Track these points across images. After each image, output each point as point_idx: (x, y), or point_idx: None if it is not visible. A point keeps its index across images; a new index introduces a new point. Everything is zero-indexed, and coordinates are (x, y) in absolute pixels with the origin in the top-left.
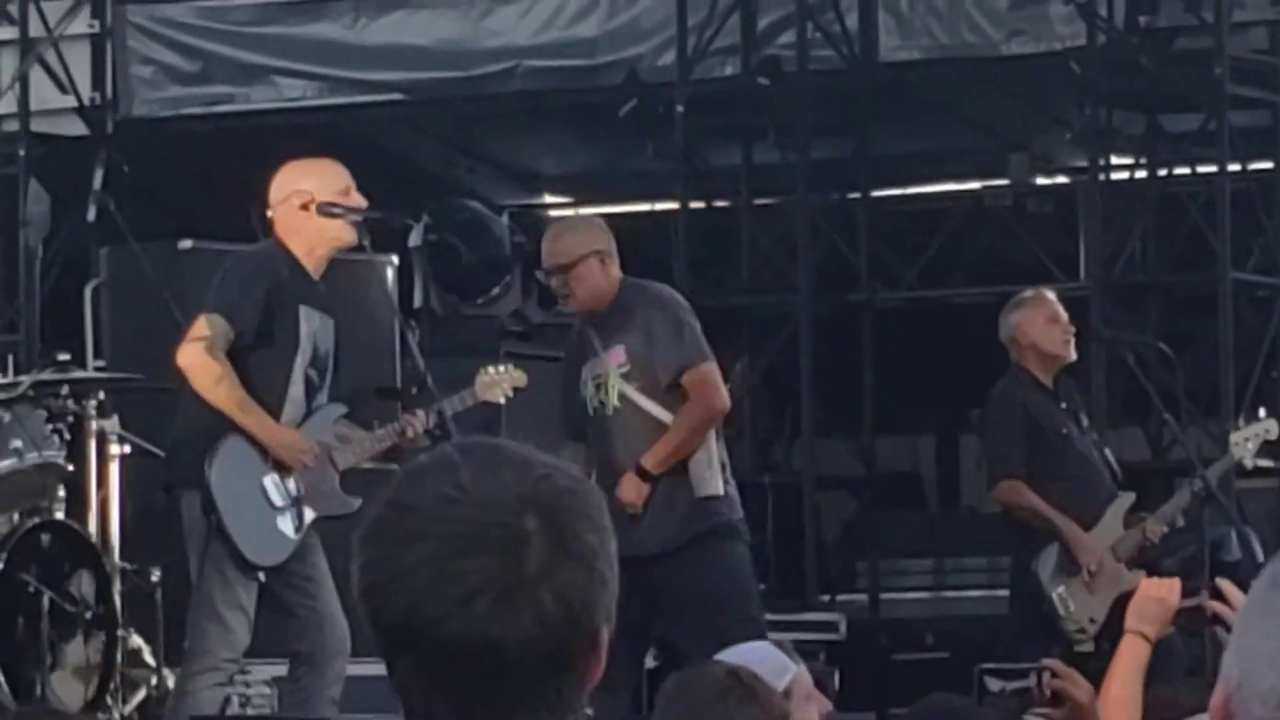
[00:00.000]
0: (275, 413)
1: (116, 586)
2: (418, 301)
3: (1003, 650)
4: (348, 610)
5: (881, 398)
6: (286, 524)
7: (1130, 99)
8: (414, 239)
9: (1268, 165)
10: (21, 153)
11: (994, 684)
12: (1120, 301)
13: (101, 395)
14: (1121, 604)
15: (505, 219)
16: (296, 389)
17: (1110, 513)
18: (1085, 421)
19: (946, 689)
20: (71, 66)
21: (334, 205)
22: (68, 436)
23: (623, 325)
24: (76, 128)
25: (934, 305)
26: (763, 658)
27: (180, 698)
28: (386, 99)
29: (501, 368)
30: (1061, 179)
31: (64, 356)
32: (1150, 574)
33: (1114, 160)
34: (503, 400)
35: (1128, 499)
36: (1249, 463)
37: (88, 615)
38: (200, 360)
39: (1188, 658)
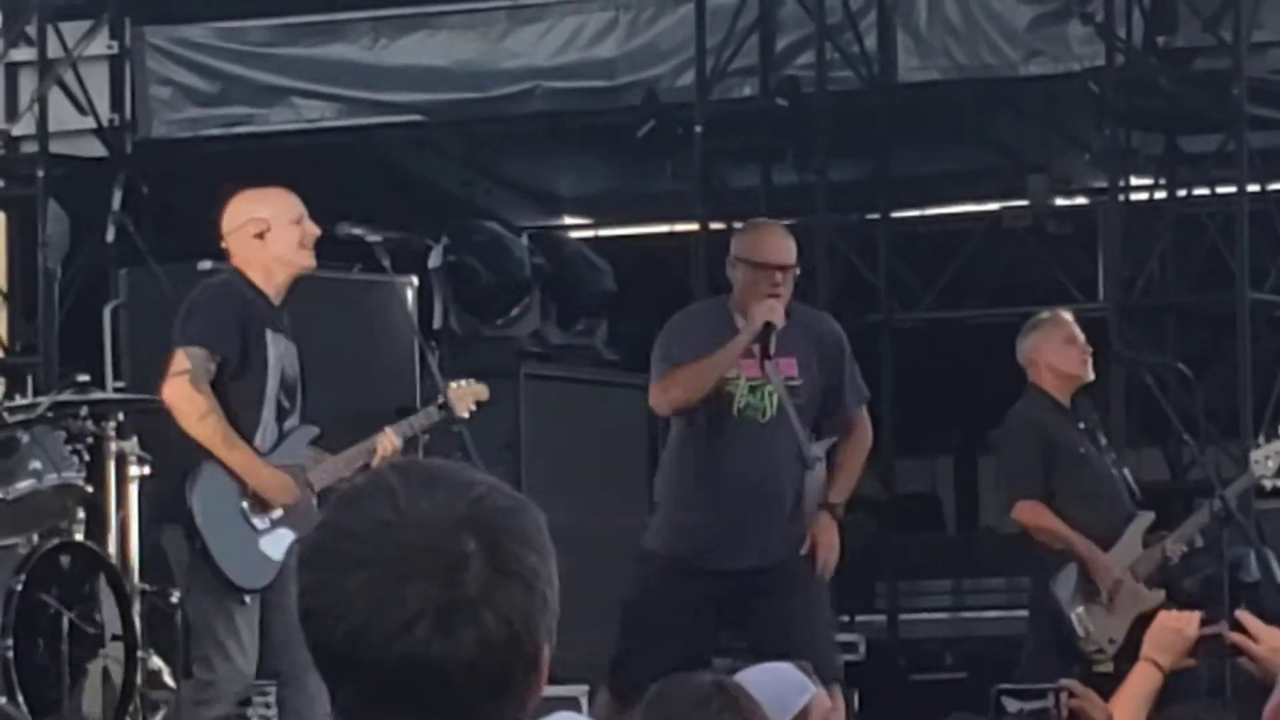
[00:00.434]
0: (250, 438)
1: (136, 607)
2: (437, 322)
3: (1021, 671)
4: None
5: (900, 419)
6: (270, 546)
7: (1149, 119)
8: (434, 260)
9: None
10: (40, 174)
11: (1012, 704)
12: (1139, 322)
13: (121, 416)
14: (1141, 624)
15: (524, 240)
16: (269, 412)
17: (1129, 532)
18: (1103, 441)
19: (965, 709)
20: (90, 88)
21: (353, 229)
22: (87, 458)
23: (801, 341)
24: (95, 149)
25: (953, 326)
26: (783, 677)
27: None
28: (405, 120)
29: (465, 382)
30: (1080, 200)
31: (83, 377)
32: (1170, 594)
33: (1133, 181)
34: (466, 415)
35: (1147, 518)
36: (1269, 481)
37: (108, 636)
38: (185, 393)
39: (1207, 678)
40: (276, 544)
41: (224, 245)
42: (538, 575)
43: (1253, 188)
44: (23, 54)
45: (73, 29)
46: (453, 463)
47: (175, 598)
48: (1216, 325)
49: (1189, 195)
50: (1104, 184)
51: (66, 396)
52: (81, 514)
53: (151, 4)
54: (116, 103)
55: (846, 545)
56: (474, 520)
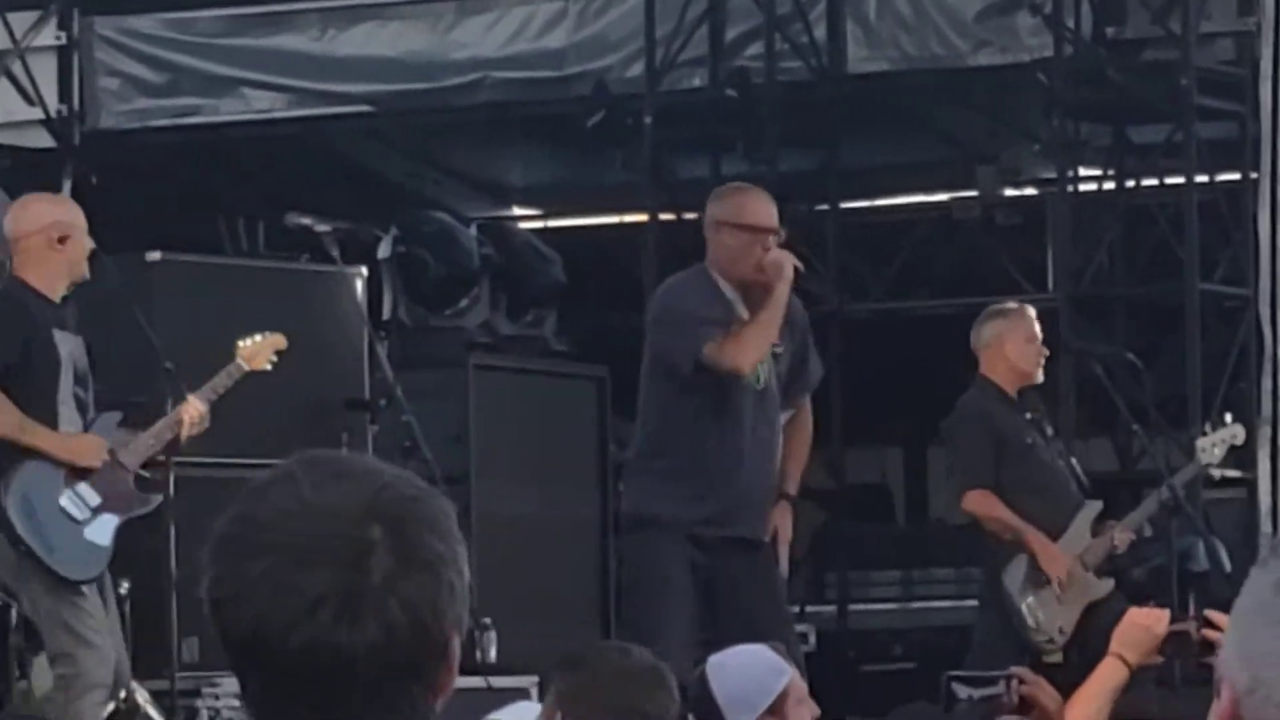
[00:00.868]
0: None
1: None
2: (386, 313)
3: (970, 660)
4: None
5: (850, 409)
6: (95, 534)
7: (1098, 110)
8: (383, 251)
9: (1235, 177)
10: None
11: (962, 691)
12: (1088, 313)
13: None
14: (1091, 613)
15: (473, 231)
16: (68, 409)
17: (1077, 521)
18: (1050, 432)
19: (915, 699)
20: (38, 78)
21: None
22: None
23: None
24: (43, 140)
25: (902, 317)
26: (759, 660)
27: None
28: (354, 110)
29: (259, 336)
30: (1030, 190)
31: None
32: (1118, 583)
33: (1082, 172)
34: (269, 367)
35: (1095, 507)
36: (1216, 469)
37: None
38: None
39: (1155, 667)
40: (101, 530)
41: (12, 248)
42: (445, 563)
43: (1201, 178)
44: None
45: (20, 19)
46: (360, 455)
47: (124, 589)
48: (1165, 316)
49: (1138, 186)
50: (1053, 175)
51: None
52: None
53: None
54: (65, 93)
55: (796, 536)
56: (380, 509)
